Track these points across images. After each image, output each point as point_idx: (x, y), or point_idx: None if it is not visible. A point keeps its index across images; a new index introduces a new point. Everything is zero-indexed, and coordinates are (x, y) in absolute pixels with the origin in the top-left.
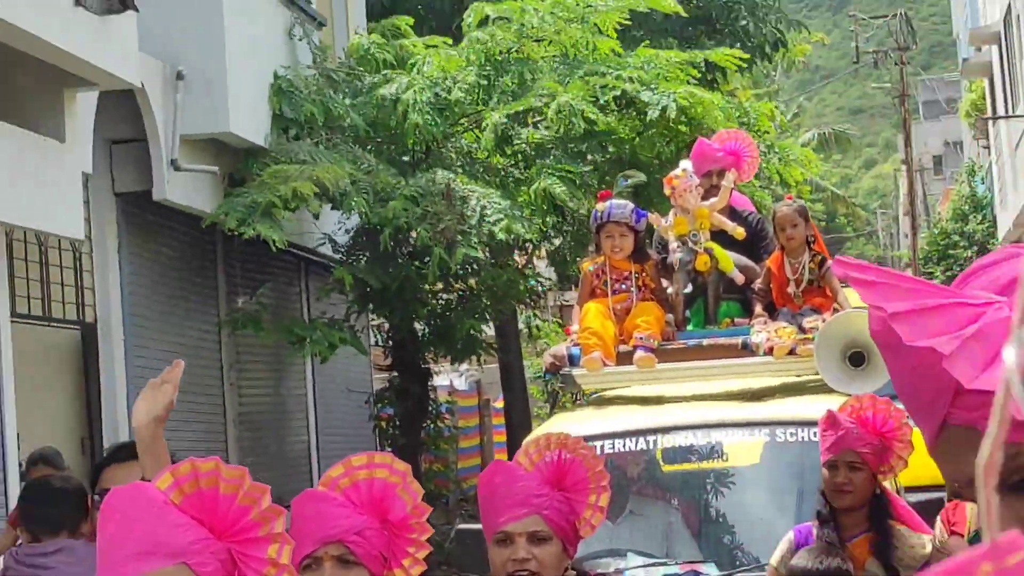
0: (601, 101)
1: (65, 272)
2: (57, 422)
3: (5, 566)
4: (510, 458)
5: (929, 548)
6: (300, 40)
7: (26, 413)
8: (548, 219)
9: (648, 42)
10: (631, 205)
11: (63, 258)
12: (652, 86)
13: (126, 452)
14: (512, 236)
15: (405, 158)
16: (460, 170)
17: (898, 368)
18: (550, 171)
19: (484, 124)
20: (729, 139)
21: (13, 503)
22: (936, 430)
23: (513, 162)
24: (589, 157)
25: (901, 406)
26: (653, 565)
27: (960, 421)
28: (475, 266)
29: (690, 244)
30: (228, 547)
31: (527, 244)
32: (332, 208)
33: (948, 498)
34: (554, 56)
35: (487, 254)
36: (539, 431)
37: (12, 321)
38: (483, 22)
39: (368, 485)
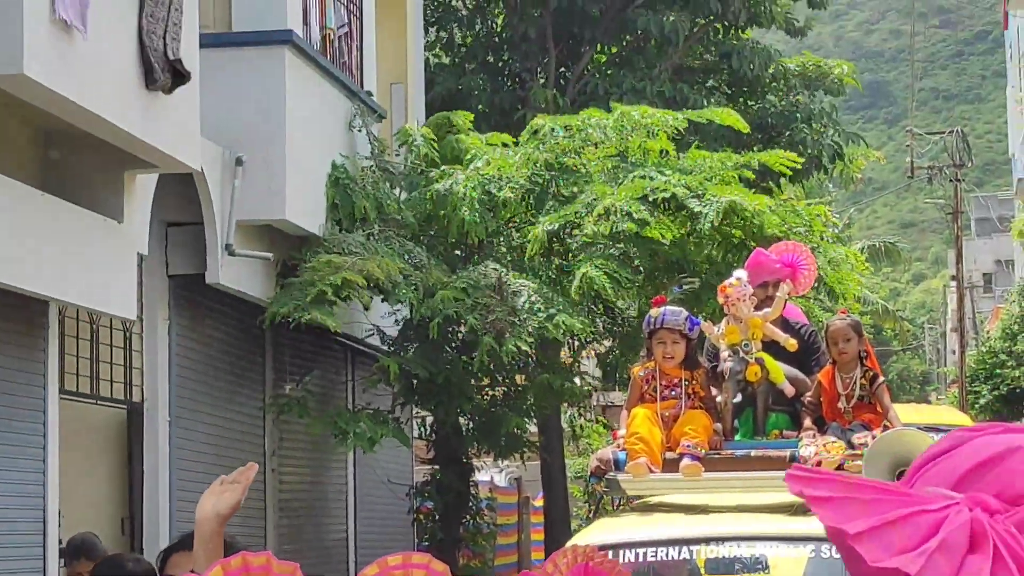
0: (651, 200)
1: (115, 351)
2: (98, 501)
3: None
4: (546, 558)
5: None
6: (359, 131)
7: (68, 491)
8: (598, 320)
9: (702, 146)
10: (685, 313)
11: (113, 337)
12: (700, 192)
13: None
14: (563, 331)
15: (456, 252)
16: (510, 266)
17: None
18: (594, 264)
19: (533, 231)
20: (787, 251)
21: None
22: None
23: (561, 261)
24: (636, 263)
25: None
26: None
27: None
28: (523, 362)
29: (741, 354)
30: None
31: (575, 341)
32: (382, 300)
33: None
34: (608, 157)
35: (535, 350)
36: (582, 535)
37: (60, 398)
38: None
39: None
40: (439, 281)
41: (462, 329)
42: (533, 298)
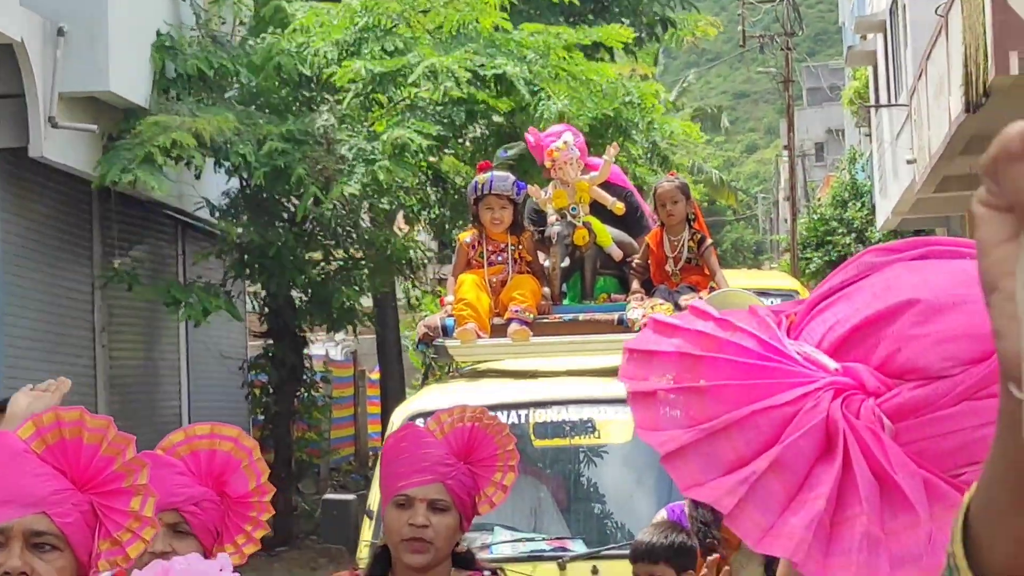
0: (481, 76)
1: None
2: None
3: None
4: (383, 431)
5: None
6: (184, 1)
7: None
8: (428, 189)
9: (535, 18)
10: (512, 178)
11: None
12: (536, 87)
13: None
14: (392, 180)
15: (287, 113)
16: (337, 123)
17: None
18: (409, 125)
19: (348, 64)
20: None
21: None
22: None
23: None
24: (463, 128)
25: None
26: (520, 540)
27: None
28: (355, 235)
29: (569, 218)
30: (90, 498)
31: (407, 213)
32: (215, 164)
33: None
34: (436, 29)
35: (369, 217)
36: (409, 402)
37: None
38: None
39: (209, 457)
40: (270, 133)
41: (293, 203)
42: (359, 147)
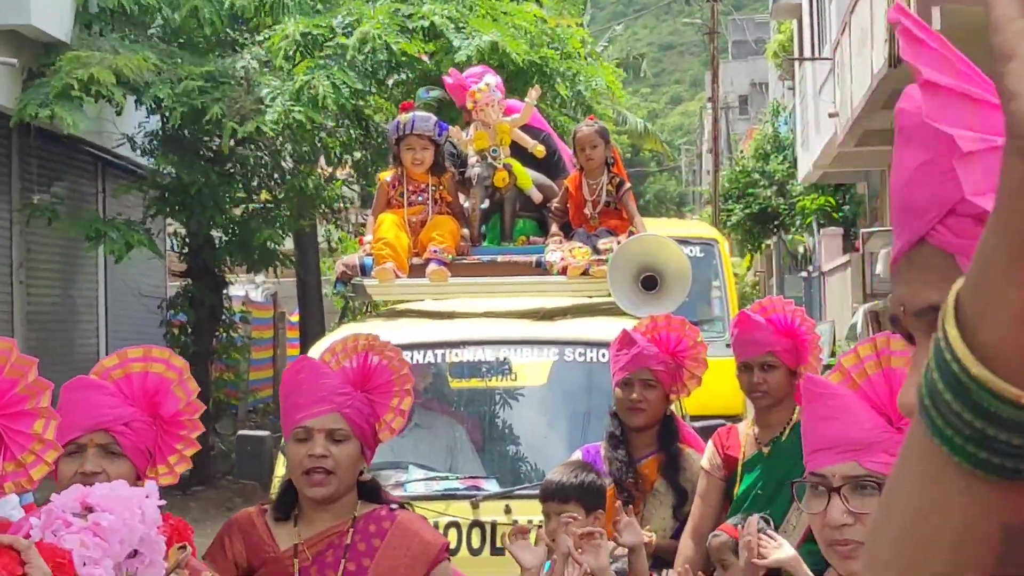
0: (409, 28)
1: None
2: None
3: None
4: None
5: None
6: None
7: None
8: (351, 131)
9: None
10: (434, 118)
11: None
12: (462, 25)
13: None
14: (312, 125)
15: (208, 54)
16: (257, 65)
17: (902, 159)
18: (329, 74)
19: (283, 30)
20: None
21: None
22: (910, 244)
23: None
24: (388, 74)
25: (694, 325)
26: (435, 479)
27: (939, 243)
28: (276, 176)
29: (489, 159)
30: None
31: (332, 158)
32: (135, 102)
33: (891, 324)
34: None
35: (291, 158)
36: (324, 340)
37: None
38: None
39: (142, 379)
40: (191, 73)
41: (213, 142)
42: (277, 93)
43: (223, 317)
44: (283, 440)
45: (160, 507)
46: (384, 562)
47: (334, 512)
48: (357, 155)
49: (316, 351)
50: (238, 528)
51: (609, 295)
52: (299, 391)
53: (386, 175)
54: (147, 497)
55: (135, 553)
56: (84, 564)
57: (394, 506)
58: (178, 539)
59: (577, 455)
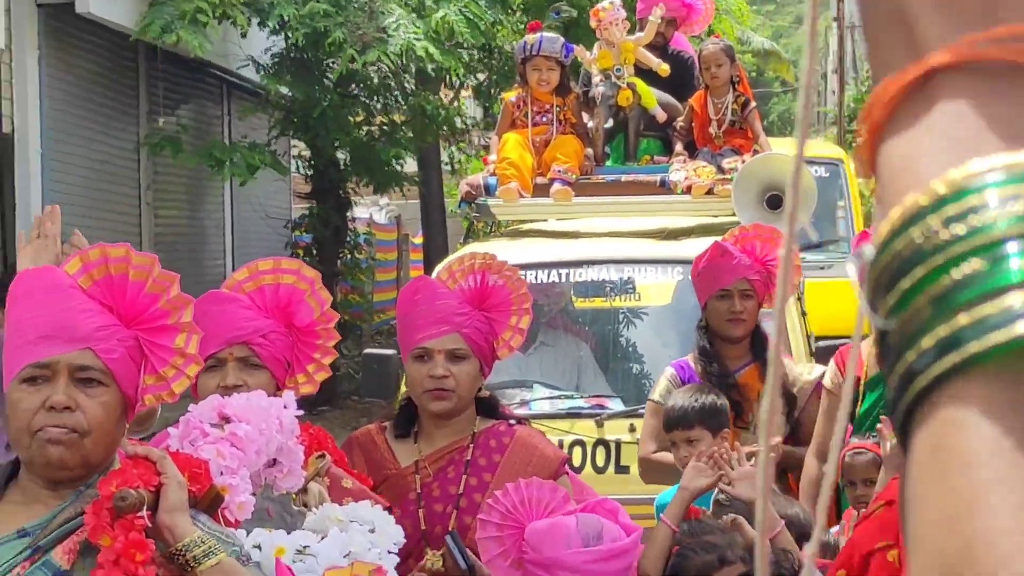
0: None
1: None
2: None
3: None
4: None
5: (815, 375)
6: None
7: None
8: (473, 52)
9: None
10: (561, 39)
11: None
12: None
13: None
14: (427, 56)
15: None
16: None
17: None
18: (456, 7)
19: None
20: None
21: None
22: None
23: None
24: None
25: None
26: (559, 398)
27: None
28: (400, 98)
29: (613, 78)
30: (135, 334)
31: (454, 80)
32: (259, 24)
33: None
34: None
35: (413, 81)
36: (448, 260)
37: None
38: None
39: (274, 290)
40: None
41: (336, 63)
42: (402, 22)
43: (347, 239)
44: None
45: (298, 417)
46: (505, 476)
47: (454, 428)
48: (480, 77)
49: (436, 273)
50: (359, 446)
51: (733, 214)
52: (417, 312)
53: (511, 95)
54: (285, 407)
55: (274, 462)
56: (221, 473)
57: (513, 421)
58: (317, 448)
59: (670, 371)
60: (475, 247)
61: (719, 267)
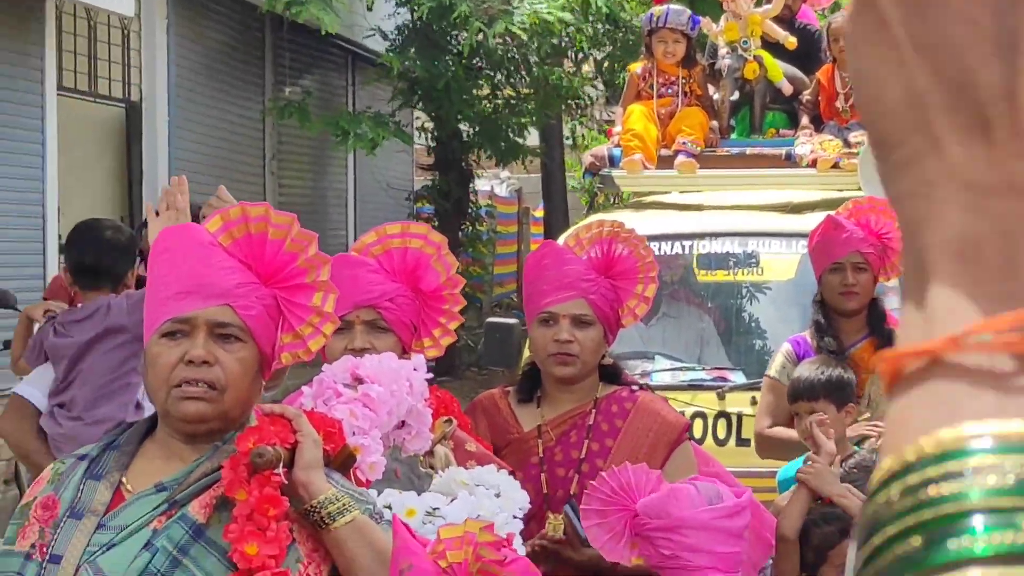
0: None
1: (113, 49)
2: (97, 199)
3: (43, 338)
4: None
5: None
6: None
7: (68, 188)
8: (598, 25)
9: None
10: (688, 12)
11: (111, 35)
12: None
13: None
14: (555, 21)
15: None
16: None
17: None
18: None
19: None
20: None
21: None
22: None
23: None
24: None
25: None
26: (681, 369)
27: None
28: (523, 70)
29: (740, 51)
30: (273, 292)
31: (579, 52)
32: None
33: None
34: None
35: (537, 53)
36: (573, 230)
37: (59, 95)
38: None
39: (401, 254)
40: None
41: (461, 36)
42: None
43: (469, 210)
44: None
45: (427, 380)
46: (627, 442)
47: (577, 394)
48: (605, 50)
49: (563, 240)
50: (482, 410)
51: (859, 188)
52: (544, 276)
53: (636, 66)
54: (415, 370)
55: (402, 424)
56: (353, 433)
57: (635, 387)
58: (444, 412)
59: (786, 347)
60: (597, 217)
61: (832, 240)
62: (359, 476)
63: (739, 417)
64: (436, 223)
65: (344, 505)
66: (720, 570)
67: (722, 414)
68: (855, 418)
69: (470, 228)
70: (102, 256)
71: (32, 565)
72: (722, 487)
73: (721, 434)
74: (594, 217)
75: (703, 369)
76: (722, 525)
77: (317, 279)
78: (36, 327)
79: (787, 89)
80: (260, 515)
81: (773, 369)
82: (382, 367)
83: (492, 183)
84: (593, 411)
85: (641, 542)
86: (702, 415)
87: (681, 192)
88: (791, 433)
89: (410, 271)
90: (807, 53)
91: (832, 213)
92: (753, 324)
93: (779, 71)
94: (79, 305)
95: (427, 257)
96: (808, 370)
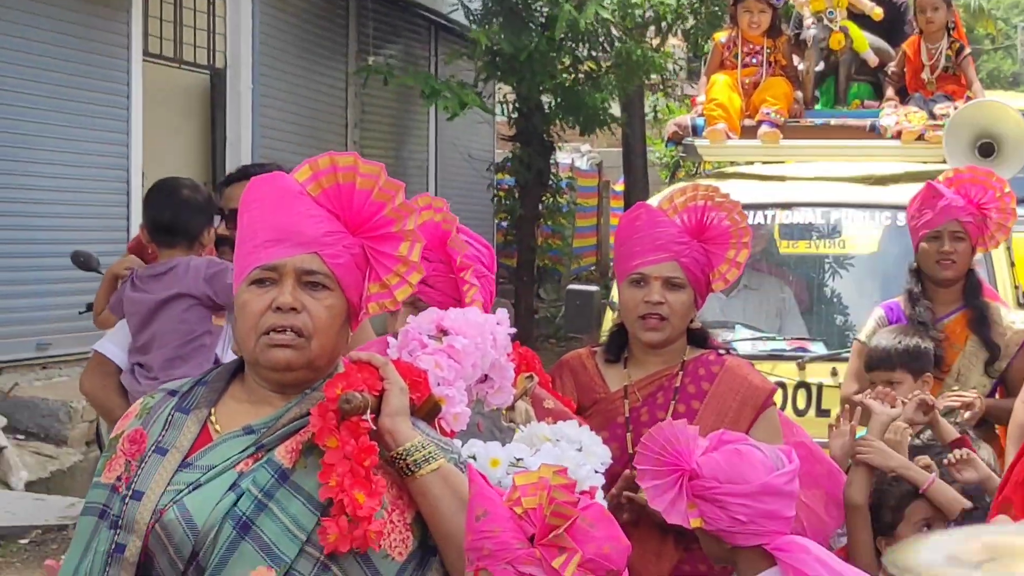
0: None
1: (199, 16)
2: (181, 164)
3: (122, 294)
4: None
5: None
6: None
7: (152, 153)
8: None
9: None
10: None
11: (197, 2)
12: None
13: (255, 171)
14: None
15: None
16: None
17: None
18: None
19: None
20: None
21: None
22: None
23: None
24: None
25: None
26: (761, 339)
27: None
28: (606, 44)
29: (825, 21)
30: (361, 242)
31: (662, 23)
32: None
33: None
34: None
35: (620, 26)
36: (654, 199)
37: (144, 60)
38: None
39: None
40: None
41: (544, 6)
42: None
43: (550, 182)
44: (610, 295)
45: (511, 336)
46: (713, 404)
47: (664, 356)
48: (690, 22)
49: (656, 202)
50: (568, 369)
51: (943, 161)
52: (636, 237)
53: (721, 36)
54: (498, 324)
55: (485, 378)
56: (438, 384)
57: (722, 352)
58: (526, 368)
59: (879, 312)
60: (681, 186)
61: (930, 208)
62: (443, 427)
63: (819, 388)
64: (517, 195)
65: (429, 453)
66: (782, 533)
67: (802, 384)
68: (941, 391)
69: (550, 200)
70: (179, 214)
71: (117, 499)
72: (779, 450)
73: (801, 404)
74: (677, 185)
75: (783, 339)
76: (790, 489)
77: (404, 228)
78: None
79: (872, 60)
80: (358, 464)
81: (863, 334)
82: (467, 320)
83: (573, 156)
84: (680, 373)
85: (703, 504)
86: (782, 385)
87: (764, 163)
88: None
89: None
90: (893, 24)
91: (931, 181)
92: (834, 296)
93: (865, 42)
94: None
95: (446, 234)
96: (886, 339)
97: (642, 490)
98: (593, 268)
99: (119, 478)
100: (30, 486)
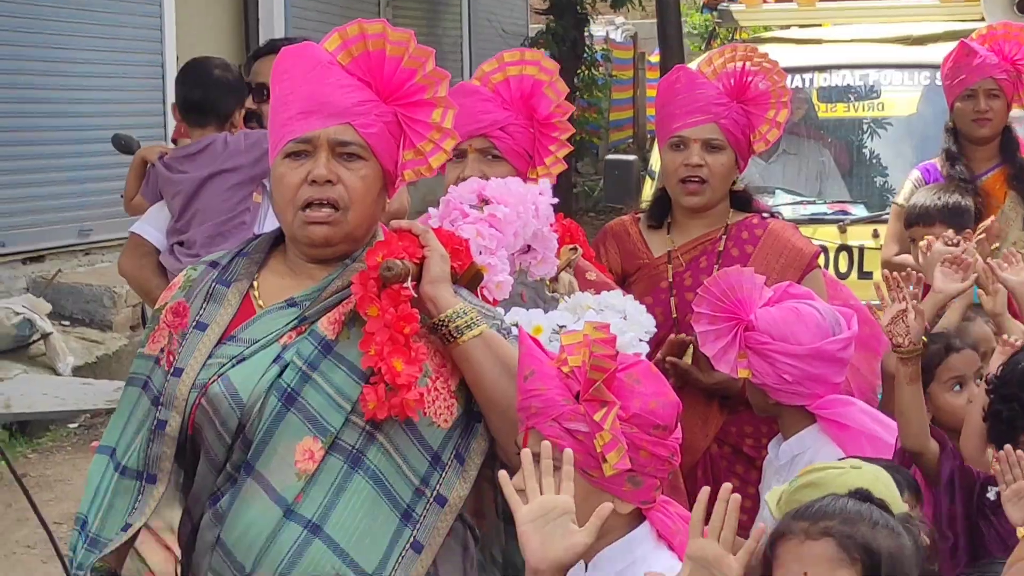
0: None
1: None
2: (214, 47)
3: (154, 175)
4: None
5: None
6: None
7: (185, 36)
8: None
9: None
10: None
11: None
12: None
13: (284, 44)
14: None
15: None
16: None
17: None
18: None
19: None
20: None
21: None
22: None
23: None
24: None
25: None
26: (802, 203)
27: None
28: None
29: None
30: (393, 109)
31: None
32: None
33: None
34: None
35: None
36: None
37: None
38: None
39: (519, 81)
40: None
41: None
42: None
43: (584, 55)
44: (648, 164)
45: (553, 205)
46: (757, 267)
47: (707, 220)
48: None
49: (696, 65)
50: (612, 236)
51: (982, 19)
52: (675, 100)
53: None
54: (540, 194)
55: (528, 249)
56: (480, 252)
57: (766, 215)
58: (569, 240)
59: (915, 174)
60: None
61: (964, 66)
62: (486, 295)
63: (861, 250)
64: None
65: (471, 319)
66: (823, 396)
67: (843, 247)
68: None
69: (585, 73)
70: (209, 92)
71: (159, 371)
72: (839, 314)
73: (843, 267)
74: (715, 49)
75: (824, 203)
76: (842, 356)
77: (436, 95)
78: (150, 168)
79: None
80: (397, 332)
81: (901, 196)
82: (508, 189)
83: (607, 28)
84: (723, 237)
85: (753, 357)
86: (824, 248)
87: (800, 26)
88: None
89: (526, 98)
90: None
91: (964, 39)
92: (874, 158)
93: None
94: (188, 141)
95: (541, 84)
96: (925, 196)
97: (689, 353)
98: (631, 141)
99: (163, 350)
100: (77, 371)
